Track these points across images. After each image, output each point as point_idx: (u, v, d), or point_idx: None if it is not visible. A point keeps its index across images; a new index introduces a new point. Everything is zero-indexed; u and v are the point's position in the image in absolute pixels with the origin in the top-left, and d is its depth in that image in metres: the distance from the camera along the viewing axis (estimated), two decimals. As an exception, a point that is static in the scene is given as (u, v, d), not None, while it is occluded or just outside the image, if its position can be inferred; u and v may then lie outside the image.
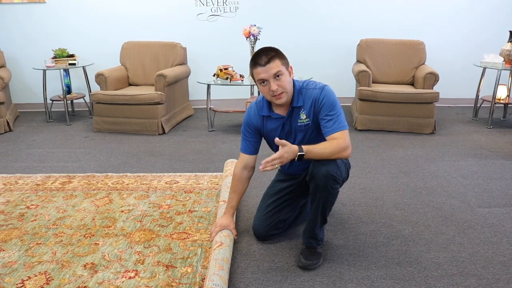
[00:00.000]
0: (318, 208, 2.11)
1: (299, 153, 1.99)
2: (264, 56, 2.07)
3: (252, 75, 2.15)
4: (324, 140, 2.11)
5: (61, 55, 5.08)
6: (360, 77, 4.59)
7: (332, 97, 2.15)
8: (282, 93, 2.11)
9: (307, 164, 2.13)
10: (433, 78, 4.51)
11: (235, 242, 2.36)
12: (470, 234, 2.47)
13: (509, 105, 5.05)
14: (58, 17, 5.40)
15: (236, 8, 5.42)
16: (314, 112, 2.16)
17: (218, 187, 3.09)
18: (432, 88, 4.54)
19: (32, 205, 2.87)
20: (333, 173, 2.03)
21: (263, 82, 2.10)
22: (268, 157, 1.97)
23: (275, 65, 2.06)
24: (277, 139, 2.01)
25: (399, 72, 5.03)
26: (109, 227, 2.56)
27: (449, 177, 3.30)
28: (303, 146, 2.01)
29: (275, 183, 2.50)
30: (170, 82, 4.62)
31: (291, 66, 2.18)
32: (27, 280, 2.06)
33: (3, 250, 2.32)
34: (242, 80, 4.47)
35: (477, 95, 5.02)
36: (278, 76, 2.07)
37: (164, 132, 4.56)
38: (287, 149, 1.98)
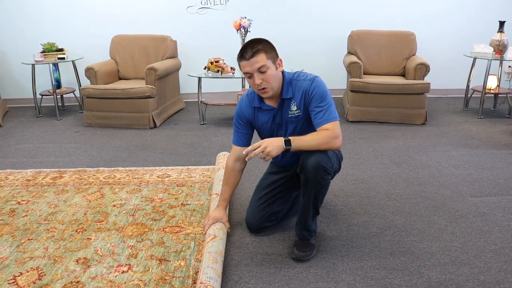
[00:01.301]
0: (309, 199, 2.11)
1: (284, 139, 2.00)
2: (250, 49, 2.05)
3: (239, 67, 2.14)
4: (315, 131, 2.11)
5: (50, 49, 5.02)
6: (351, 69, 4.59)
7: (323, 88, 2.14)
8: (266, 87, 2.10)
9: (299, 156, 2.13)
10: (424, 68, 4.53)
11: (228, 235, 2.35)
12: (462, 224, 2.48)
13: (499, 95, 5.08)
14: (46, 11, 5.33)
15: (226, 0, 5.39)
16: (304, 104, 2.16)
17: (211, 180, 3.08)
18: (423, 79, 4.55)
19: (23, 200, 2.85)
20: (323, 164, 2.02)
21: (249, 76, 2.10)
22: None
23: (260, 59, 2.04)
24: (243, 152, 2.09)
25: (390, 63, 5.04)
26: (101, 221, 2.55)
27: (441, 167, 3.31)
28: (290, 137, 2.01)
29: (268, 176, 2.50)
30: (161, 75, 4.58)
31: (280, 59, 2.16)
32: (19, 276, 2.04)
33: (-6, 247, 2.30)
34: (233, 73, 4.46)
35: (468, 86, 5.05)
36: (262, 70, 2.06)
37: (155, 126, 4.54)
38: (269, 140, 2.02)
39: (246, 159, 2.07)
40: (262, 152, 2.00)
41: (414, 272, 2.05)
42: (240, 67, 2.13)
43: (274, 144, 2.00)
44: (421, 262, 2.12)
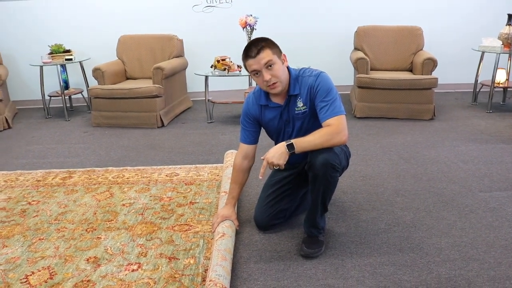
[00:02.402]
0: (318, 197, 2.11)
1: (287, 144, 2.00)
2: (254, 47, 2.06)
3: (245, 67, 2.14)
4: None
5: (58, 51, 5.05)
6: (358, 65, 4.57)
7: (327, 83, 2.13)
8: (276, 82, 2.10)
9: (307, 153, 2.13)
10: (431, 63, 4.50)
11: (237, 233, 2.36)
12: (471, 219, 2.47)
13: (508, 89, 5.03)
14: (53, 12, 5.36)
15: (232, -2, 5.39)
16: (310, 99, 2.15)
17: (219, 179, 3.09)
18: (431, 74, 4.52)
19: (34, 201, 2.87)
20: (331, 162, 2.02)
21: (256, 73, 2.10)
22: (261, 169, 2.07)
23: (266, 55, 2.05)
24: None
25: (397, 58, 5.01)
26: (111, 220, 2.57)
27: (450, 163, 3.29)
28: (292, 140, 2.02)
29: (276, 173, 2.50)
30: (168, 74, 4.60)
31: (284, 54, 2.16)
32: (30, 275, 2.07)
33: (6, 246, 2.33)
34: (240, 71, 4.46)
35: (476, 80, 5.01)
36: (270, 65, 2.06)
37: (163, 125, 4.56)
38: (271, 151, 2.04)
39: (260, 177, 2.10)
40: (268, 164, 2.04)
41: (423, 268, 2.04)
42: (246, 67, 2.13)
43: (278, 153, 2.02)
44: (430, 258, 2.12)
